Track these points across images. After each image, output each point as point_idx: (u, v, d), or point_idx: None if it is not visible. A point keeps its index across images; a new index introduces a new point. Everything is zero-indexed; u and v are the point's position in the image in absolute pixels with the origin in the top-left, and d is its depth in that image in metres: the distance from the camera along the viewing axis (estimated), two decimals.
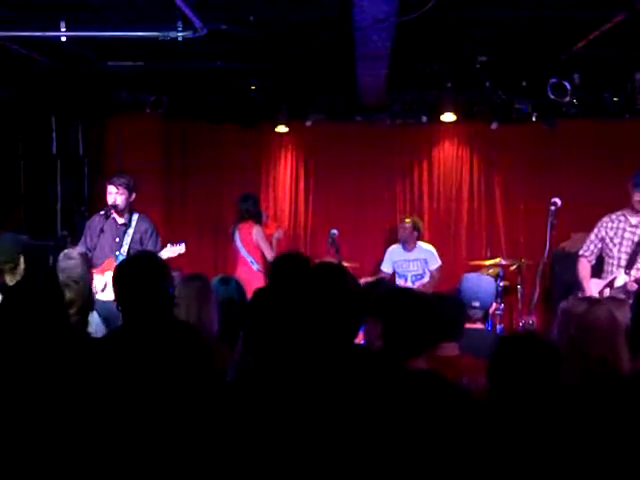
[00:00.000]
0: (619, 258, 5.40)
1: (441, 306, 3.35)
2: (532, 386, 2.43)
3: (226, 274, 5.39)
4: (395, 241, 7.82)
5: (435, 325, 2.96)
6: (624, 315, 3.21)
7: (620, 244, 5.41)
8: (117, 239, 5.92)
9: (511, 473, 2.23)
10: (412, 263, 7.50)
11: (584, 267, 5.58)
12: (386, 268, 7.66)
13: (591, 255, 5.57)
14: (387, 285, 4.34)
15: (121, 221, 6.00)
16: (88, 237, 5.99)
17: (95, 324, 3.97)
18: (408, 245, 7.52)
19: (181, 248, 6.03)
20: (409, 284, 7.35)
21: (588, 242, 5.63)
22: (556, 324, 3.13)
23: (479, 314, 3.96)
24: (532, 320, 6.87)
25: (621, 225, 5.45)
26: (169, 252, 5.96)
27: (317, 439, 1.96)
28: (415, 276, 7.46)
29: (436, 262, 7.54)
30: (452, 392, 2.46)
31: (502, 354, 2.53)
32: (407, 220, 7.59)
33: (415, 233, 7.52)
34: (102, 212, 5.96)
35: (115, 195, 5.93)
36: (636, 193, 5.34)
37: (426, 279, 7.46)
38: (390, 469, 1.96)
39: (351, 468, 1.95)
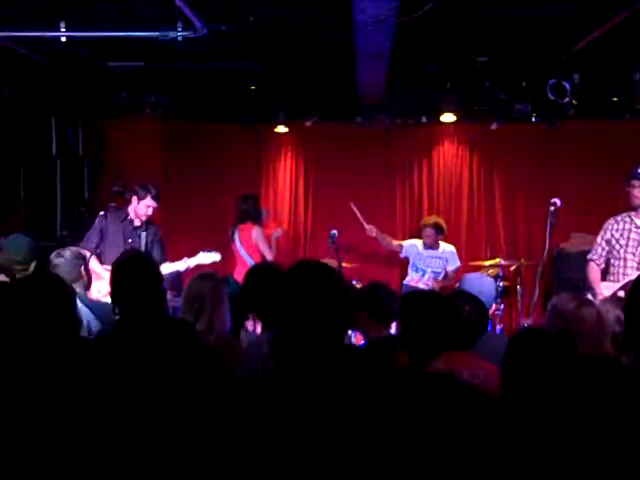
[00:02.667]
0: (625, 259, 5.40)
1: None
2: (548, 382, 2.41)
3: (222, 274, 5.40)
4: (402, 240, 7.80)
5: (459, 327, 2.98)
6: (618, 313, 3.21)
7: (626, 245, 5.41)
8: (130, 240, 6.03)
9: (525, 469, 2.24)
10: (435, 260, 7.48)
11: (593, 271, 5.56)
12: (404, 250, 7.60)
13: (600, 258, 5.56)
14: (388, 290, 4.34)
15: (137, 224, 6.13)
16: (99, 238, 6.01)
17: (93, 325, 3.97)
18: (433, 246, 7.50)
19: (216, 256, 6.09)
20: (424, 279, 7.34)
21: (595, 246, 5.62)
22: (545, 319, 3.15)
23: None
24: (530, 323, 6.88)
25: (627, 226, 5.45)
26: (202, 259, 6.03)
27: (338, 439, 1.96)
28: (434, 272, 7.45)
29: (455, 263, 7.52)
30: (473, 393, 2.47)
31: (516, 352, 2.50)
32: (428, 226, 7.46)
33: (439, 236, 7.47)
34: (128, 218, 6.07)
35: (154, 209, 6.11)
36: (634, 181, 5.34)
37: (440, 277, 7.46)
38: (414, 467, 1.97)
39: (372, 467, 1.95)
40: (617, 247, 5.46)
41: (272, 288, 3.41)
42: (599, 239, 5.59)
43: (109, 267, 5.46)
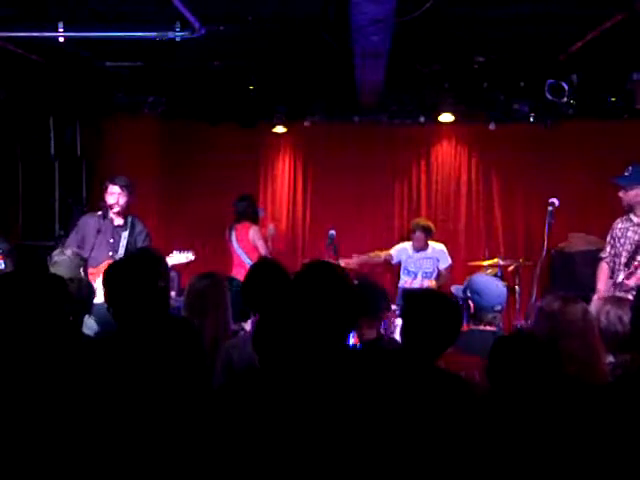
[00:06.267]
0: (621, 256, 5.46)
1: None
2: (529, 383, 2.46)
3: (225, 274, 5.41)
4: (400, 240, 7.79)
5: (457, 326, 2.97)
6: (624, 313, 3.20)
7: (624, 243, 5.46)
8: (111, 240, 5.95)
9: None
10: (425, 261, 7.45)
11: (601, 269, 5.65)
12: (395, 255, 7.56)
13: (608, 257, 5.64)
14: (378, 287, 4.33)
15: (118, 222, 6.03)
16: (80, 236, 5.98)
17: (90, 327, 3.97)
18: (423, 247, 7.49)
19: (189, 255, 6.12)
20: (417, 280, 7.34)
21: (606, 244, 5.72)
22: (533, 322, 3.15)
23: (499, 317, 3.88)
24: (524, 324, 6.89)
25: (626, 225, 5.53)
26: (176, 259, 6.07)
27: (342, 436, 1.96)
28: (425, 273, 7.42)
29: (447, 261, 7.52)
30: (470, 390, 2.49)
31: (498, 355, 2.57)
32: (417, 229, 7.41)
33: (428, 238, 7.45)
34: (99, 213, 5.99)
35: (118, 196, 5.99)
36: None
37: (433, 277, 7.46)
38: (416, 463, 1.98)
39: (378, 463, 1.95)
40: (617, 245, 5.53)
41: (277, 284, 3.43)
42: (608, 238, 5.70)
43: (93, 270, 5.48)
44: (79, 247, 5.78)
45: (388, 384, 2.09)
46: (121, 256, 5.80)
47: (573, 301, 3.09)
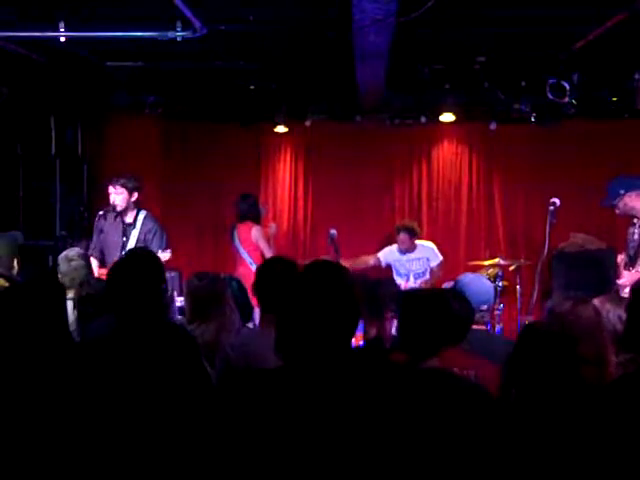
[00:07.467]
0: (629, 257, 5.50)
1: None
2: (552, 379, 2.44)
3: (227, 274, 5.40)
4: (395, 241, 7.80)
5: (453, 325, 2.96)
6: (624, 313, 3.20)
7: (629, 246, 5.49)
8: (124, 238, 6.01)
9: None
10: (415, 262, 7.46)
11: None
12: (383, 259, 7.58)
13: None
14: (394, 284, 4.31)
15: (127, 220, 6.08)
16: (96, 237, 6.15)
17: None
18: (409, 250, 7.49)
19: (166, 254, 6.06)
20: (411, 282, 7.33)
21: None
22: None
23: (487, 316, 3.90)
24: (530, 320, 6.88)
25: (631, 229, 5.54)
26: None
27: (338, 437, 1.96)
28: (417, 274, 7.42)
29: (437, 259, 7.52)
30: (468, 387, 2.49)
31: (528, 341, 2.52)
32: (401, 231, 7.43)
33: (414, 239, 7.47)
34: (101, 212, 6.05)
35: (114, 195, 6.03)
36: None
37: (427, 276, 7.45)
38: (413, 464, 1.97)
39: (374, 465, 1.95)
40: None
41: (289, 282, 3.38)
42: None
43: (104, 270, 5.50)
44: (95, 249, 6.03)
45: (385, 384, 2.09)
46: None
47: (583, 302, 3.10)
